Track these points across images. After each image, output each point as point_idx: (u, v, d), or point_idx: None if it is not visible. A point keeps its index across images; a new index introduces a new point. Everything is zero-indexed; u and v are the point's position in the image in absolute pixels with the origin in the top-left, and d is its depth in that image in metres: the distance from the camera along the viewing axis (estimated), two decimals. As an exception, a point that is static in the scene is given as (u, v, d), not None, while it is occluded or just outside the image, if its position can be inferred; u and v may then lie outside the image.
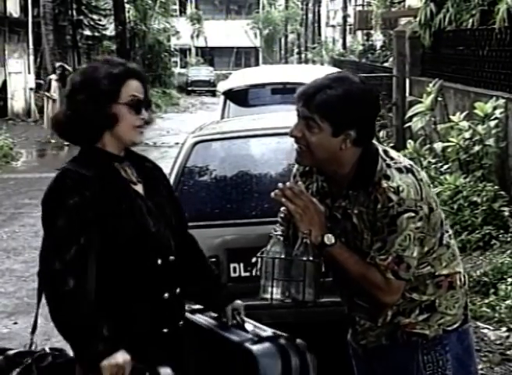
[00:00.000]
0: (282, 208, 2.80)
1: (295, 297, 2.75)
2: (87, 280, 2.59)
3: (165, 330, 2.73)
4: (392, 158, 2.74)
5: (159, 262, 2.72)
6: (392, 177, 2.68)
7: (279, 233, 2.76)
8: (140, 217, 2.70)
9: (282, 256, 2.73)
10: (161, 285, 2.74)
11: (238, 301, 3.02)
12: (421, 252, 2.74)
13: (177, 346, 2.79)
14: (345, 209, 2.77)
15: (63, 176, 2.67)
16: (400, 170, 2.70)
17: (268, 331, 2.95)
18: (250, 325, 2.98)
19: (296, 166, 2.96)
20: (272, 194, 2.77)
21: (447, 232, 2.86)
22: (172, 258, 2.77)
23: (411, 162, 2.80)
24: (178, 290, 2.79)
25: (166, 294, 2.74)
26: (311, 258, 2.69)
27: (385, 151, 2.77)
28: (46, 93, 23.63)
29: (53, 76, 23.38)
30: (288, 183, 2.78)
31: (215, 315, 3.01)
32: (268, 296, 2.77)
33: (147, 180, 2.83)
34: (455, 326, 2.85)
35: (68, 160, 2.77)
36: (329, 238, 2.70)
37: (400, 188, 2.66)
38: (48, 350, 2.81)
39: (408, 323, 2.80)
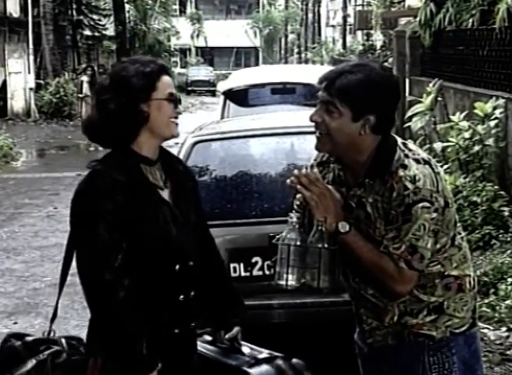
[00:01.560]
0: (298, 196, 2.77)
1: (310, 284, 2.73)
2: (133, 288, 2.59)
3: (176, 331, 2.73)
4: (410, 150, 2.75)
5: (177, 267, 2.72)
6: (409, 167, 2.68)
7: (295, 220, 2.74)
8: (164, 225, 2.69)
9: (298, 243, 2.71)
10: (177, 288, 2.75)
11: (238, 329, 3.00)
12: (433, 249, 2.73)
13: (187, 346, 2.80)
14: (360, 198, 2.76)
15: (95, 179, 2.65)
16: (417, 161, 2.71)
17: (264, 353, 2.94)
18: (246, 348, 2.97)
19: (313, 156, 2.96)
20: (288, 181, 2.74)
21: (460, 234, 2.86)
22: (191, 263, 2.78)
23: (429, 156, 2.82)
24: (193, 292, 2.79)
25: (181, 297, 2.75)
26: (326, 246, 2.69)
27: (404, 143, 2.79)
28: (79, 95, 23.72)
29: (84, 78, 23.48)
30: (304, 170, 2.77)
31: (210, 339, 2.99)
32: (284, 283, 2.74)
33: (176, 184, 2.81)
34: (463, 329, 2.83)
35: (95, 160, 2.72)
36: (344, 226, 2.69)
37: (417, 177, 2.66)
38: (63, 341, 2.82)
39: (415, 323, 2.79)
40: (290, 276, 2.73)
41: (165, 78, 2.74)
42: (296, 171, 2.75)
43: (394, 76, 2.88)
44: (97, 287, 2.59)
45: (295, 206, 2.79)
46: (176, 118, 2.76)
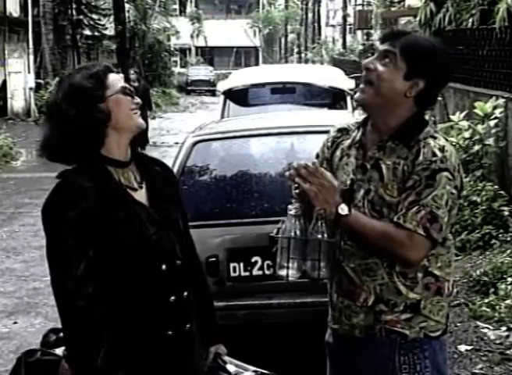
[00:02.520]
0: (295, 186, 2.78)
1: (310, 274, 2.74)
2: (96, 296, 2.58)
3: (170, 333, 2.70)
4: (438, 133, 2.81)
5: (164, 267, 2.70)
6: (438, 138, 2.74)
7: (293, 212, 2.75)
8: (138, 225, 2.67)
9: (298, 234, 2.73)
10: (167, 289, 2.72)
11: (222, 347, 2.97)
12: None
13: (182, 349, 2.76)
14: (377, 160, 2.78)
15: (62, 187, 2.66)
16: (446, 139, 2.79)
17: (250, 370, 2.91)
18: (231, 366, 2.93)
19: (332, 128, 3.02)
20: (287, 173, 2.76)
21: (449, 239, 2.85)
22: (178, 262, 2.75)
23: None
24: (185, 293, 2.77)
25: (173, 298, 2.71)
26: (325, 237, 2.70)
27: (436, 130, 2.83)
28: None
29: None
30: (303, 162, 2.76)
31: None
32: (284, 273, 2.75)
33: (153, 184, 2.79)
34: (437, 333, 2.81)
35: (67, 168, 2.73)
36: (343, 209, 2.69)
37: (446, 148, 2.71)
38: None
39: (390, 319, 2.77)
40: (291, 267, 2.74)
41: (113, 75, 2.73)
42: (295, 163, 2.75)
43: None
44: (59, 295, 2.60)
45: (294, 195, 2.79)
46: (136, 108, 2.74)
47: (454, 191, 2.69)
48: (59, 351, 2.75)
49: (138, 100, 2.76)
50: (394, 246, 2.68)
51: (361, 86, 2.80)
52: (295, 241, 2.73)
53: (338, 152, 2.95)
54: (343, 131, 2.97)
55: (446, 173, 2.67)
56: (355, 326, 2.82)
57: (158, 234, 2.70)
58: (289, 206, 2.77)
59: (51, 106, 2.77)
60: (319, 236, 2.70)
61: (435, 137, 2.74)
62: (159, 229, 2.71)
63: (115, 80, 2.72)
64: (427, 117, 2.85)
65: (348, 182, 2.84)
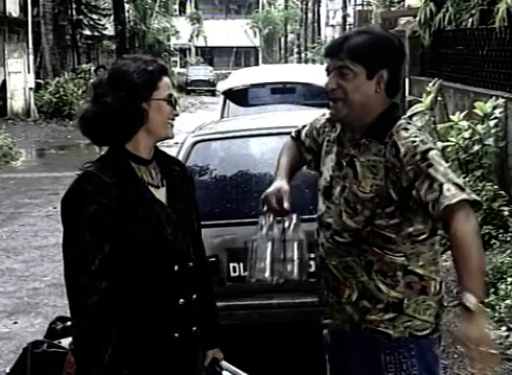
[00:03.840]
0: (263, 197, 2.95)
1: (283, 276, 2.82)
2: (109, 293, 2.58)
3: (176, 335, 2.70)
4: (412, 123, 2.83)
5: (176, 268, 2.70)
6: (410, 129, 2.75)
7: (264, 222, 2.85)
8: (157, 224, 2.66)
9: (269, 236, 2.82)
10: (177, 291, 2.71)
11: (219, 352, 2.97)
12: (408, 231, 2.73)
13: (189, 351, 2.76)
14: (352, 157, 2.81)
15: (83, 181, 2.62)
16: (418, 129, 2.80)
17: None
18: (227, 372, 2.94)
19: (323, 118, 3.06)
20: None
21: (433, 238, 2.85)
22: (190, 264, 2.75)
23: None
24: (194, 296, 2.77)
25: (182, 300, 2.71)
26: (298, 237, 2.79)
27: (409, 122, 2.84)
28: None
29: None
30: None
31: None
32: (256, 277, 2.84)
33: (172, 184, 2.79)
34: (425, 332, 2.80)
35: (88, 162, 2.70)
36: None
37: (419, 134, 2.73)
38: None
39: (374, 319, 2.78)
40: (263, 270, 2.83)
41: (166, 79, 2.73)
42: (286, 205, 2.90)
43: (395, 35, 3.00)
44: (73, 289, 2.60)
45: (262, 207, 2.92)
46: (173, 119, 2.75)
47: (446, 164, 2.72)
48: (65, 342, 2.76)
49: (178, 111, 2.77)
50: (471, 227, 2.59)
51: (331, 104, 2.83)
52: (263, 243, 2.83)
53: (324, 145, 2.99)
54: (331, 122, 3.00)
55: (434, 151, 2.69)
56: (345, 320, 2.84)
57: (173, 235, 2.70)
58: (260, 216, 2.88)
59: (97, 83, 2.74)
60: (288, 237, 2.81)
61: (406, 129, 2.75)
62: (175, 229, 2.71)
63: (166, 84, 2.72)
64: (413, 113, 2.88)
65: (328, 179, 2.89)
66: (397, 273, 2.76)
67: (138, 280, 2.64)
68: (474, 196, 2.64)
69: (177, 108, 2.79)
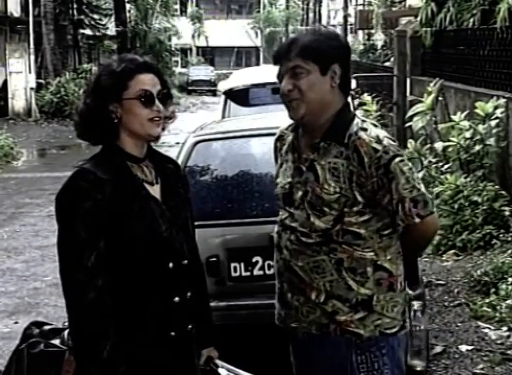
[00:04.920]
0: None
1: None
2: (105, 289, 2.58)
3: (173, 334, 2.69)
4: (365, 120, 2.86)
5: (171, 265, 2.69)
6: (369, 129, 2.77)
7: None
8: (151, 220, 2.66)
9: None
10: (172, 288, 2.71)
11: (214, 351, 2.97)
12: (377, 226, 2.78)
13: (185, 350, 2.76)
14: (312, 161, 2.82)
15: (78, 177, 2.62)
16: (374, 125, 2.84)
17: None
18: (223, 370, 2.93)
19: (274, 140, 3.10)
20: None
21: (395, 230, 2.88)
22: (185, 262, 2.75)
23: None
24: (189, 293, 2.76)
25: (177, 298, 2.70)
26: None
27: (364, 120, 2.87)
28: None
29: None
30: None
31: None
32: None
33: (166, 181, 2.79)
34: (394, 330, 2.82)
35: (84, 159, 2.71)
36: None
37: (380, 137, 2.75)
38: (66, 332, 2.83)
39: (344, 320, 2.78)
40: None
41: (142, 76, 2.66)
42: None
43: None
44: (69, 286, 2.60)
45: None
46: (156, 117, 2.67)
47: (409, 164, 2.77)
48: (56, 342, 2.75)
49: (159, 108, 2.68)
50: (424, 244, 3.00)
51: (289, 105, 2.82)
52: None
53: (279, 160, 3.03)
54: (280, 139, 3.05)
55: (396, 160, 2.72)
56: (312, 322, 2.83)
57: (168, 231, 2.70)
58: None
59: (87, 84, 2.77)
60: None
61: (365, 129, 2.77)
62: (170, 226, 2.71)
63: (140, 81, 2.65)
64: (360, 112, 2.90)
65: (287, 186, 2.90)
66: (367, 269, 2.78)
67: (133, 277, 2.64)
68: (426, 211, 2.77)
69: (158, 105, 2.67)
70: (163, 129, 2.76)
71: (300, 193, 2.83)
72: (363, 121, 2.82)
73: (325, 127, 2.81)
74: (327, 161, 2.78)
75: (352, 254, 2.77)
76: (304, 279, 2.82)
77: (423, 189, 2.77)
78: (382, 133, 2.78)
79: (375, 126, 2.82)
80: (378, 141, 2.72)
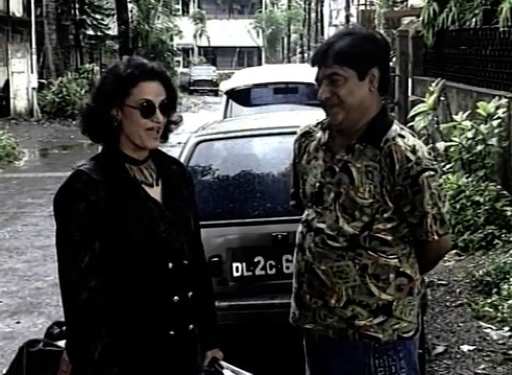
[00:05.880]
0: None
1: None
2: (99, 290, 2.59)
3: (172, 333, 2.69)
4: (403, 128, 2.84)
5: (170, 265, 2.69)
6: (407, 137, 2.76)
7: None
8: (149, 221, 2.66)
9: None
10: (171, 288, 2.71)
11: (219, 352, 2.96)
12: (403, 233, 2.78)
13: (184, 349, 2.75)
14: (345, 163, 2.79)
15: (73, 179, 2.64)
16: (412, 134, 2.81)
17: None
18: (228, 371, 2.92)
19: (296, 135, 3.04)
20: None
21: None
22: (185, 262, 2.74)
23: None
24: (190, 293, 2.76)
25: (176, 297, 2.70)
26: None
27: (402, 128, 2.85)
28: None
29: None
30: None
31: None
32: None
33: (169, 183, 2.78)
34: (410, 333, 2.82)
35: (86, 159, 2.72)
36: None
37: (416, 147, 2.73)
38: None
39: (363, 325, 2.77)
40: None
41: (146, 84, 2.63)
42: None
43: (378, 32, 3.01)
44: (64, 286, 2.62)
45: None
46: (154, 129, 2.65)
47: (439, 181, 2.79)
48: (62, 343, 2.76)
49: (158, 119, 2.65)
50: (435, 262, 2.97)
51: (329, 111, 2.80)
52: None
53: (305, 156, 2.95)
54: (306, 135, 2.98)
55: (426, 174, 2.71)
56: (329, 326, 2.82)
57: (167, 232, 2.70)
58: None
59: (91, 84, 2.79)
60: None
61: (403, 136, 2.75)
62: (169, 227, 2.70)
63: (143, 90, 2.63)
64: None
65: (317, 185, 2.85)
66: (390, 276, 2.78)
67: (131, 277, 2.65)
68: (444, 231, 2.80)
69: (158, 116, 2.64)
70: (170, 131, 2.78)
71: (332, 194, 2.80)
72: (401, 128, 2.80)
73: (362, 130, 2.79)
74: (363, 164, 2.75)
75: (377, 260, 2.76)
76: (326, 283, 2.80)
77: (444, 209, 2.76)
78: (419, 143, 2.76)
79: (413, 135, 2.80)
80: (414, 150, 2.71)
